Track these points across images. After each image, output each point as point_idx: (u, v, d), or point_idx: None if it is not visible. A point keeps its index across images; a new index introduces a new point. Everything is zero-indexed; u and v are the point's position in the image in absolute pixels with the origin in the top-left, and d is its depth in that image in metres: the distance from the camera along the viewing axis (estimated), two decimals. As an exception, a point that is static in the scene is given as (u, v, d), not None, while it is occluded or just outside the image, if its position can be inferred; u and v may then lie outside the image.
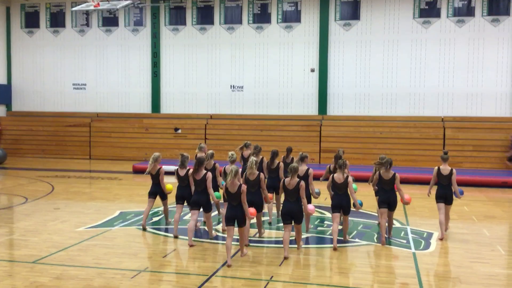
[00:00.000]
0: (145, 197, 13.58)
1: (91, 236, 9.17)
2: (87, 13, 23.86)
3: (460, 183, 14.32)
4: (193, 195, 8.86)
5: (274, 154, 10.06)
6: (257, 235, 9.34)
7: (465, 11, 20.76)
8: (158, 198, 10.21)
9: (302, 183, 7.98)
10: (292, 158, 10.38)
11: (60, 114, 24.87)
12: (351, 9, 21.79)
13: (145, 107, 24.24)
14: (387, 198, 8.87)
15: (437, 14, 21.01)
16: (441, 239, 9.18)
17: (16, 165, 20.91)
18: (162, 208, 10.85)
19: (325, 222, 10.58)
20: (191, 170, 8.85)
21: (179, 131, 23.08)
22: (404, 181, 15.29)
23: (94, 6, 18.27)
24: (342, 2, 21.86)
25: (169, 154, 22.88)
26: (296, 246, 8.55)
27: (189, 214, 9.53)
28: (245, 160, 10.73)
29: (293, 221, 8.07)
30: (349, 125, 21.43)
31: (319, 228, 9.99)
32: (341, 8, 21.87)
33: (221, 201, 9.12)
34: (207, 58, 23.43)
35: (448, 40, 21.01)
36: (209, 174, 8.65)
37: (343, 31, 21.95)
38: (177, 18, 23.65)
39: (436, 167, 9.39)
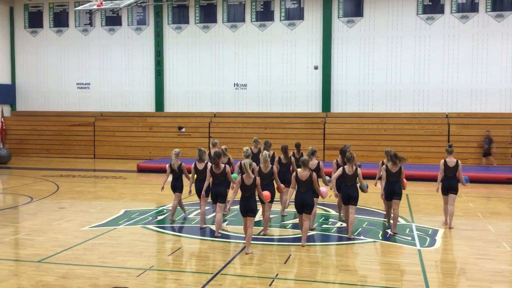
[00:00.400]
0: (149, 196, 13.67)
1: (96, 235, 9.20)
2: (90, 12, 23.89)
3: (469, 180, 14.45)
4: (212, 187, 9.22)
5: (285, 149, 10.63)
6: (262, 232, 9.35)
7: (469, 7, 20.67)
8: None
9: (314, 174, 8.51)
10: (302, 153, 10.73)
11: (64, 113, 24.94)
12: (354, 6, 21.73)
13: (149, 106, 24.27)
14: (392, 189, 9.35)
15: (441, 10, 20.93)
16: (450, 228, 9.74)
17: (21, 164, 20.98)
18: (167, 206, 10.87)
19: (330, 219, 10.57)
20: (209, 164, 9.34)
21: (183, 129, 23.10)
22: (409, 178, 15.27)
23: (97, 6, 18.30)
24: (345, -1, 21.81)
25: (173, 152, 22.86)
26: (301, 243, 8.57)
27: (194, 213, 10.52)
28: (254, 155, 11.00)
29: (303, 210, 8.47)
30: (353, 122, 21.40)
31: (323, 226, 9.99)
32: (344, 5, 21.82)
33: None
34: (210, 56, 23.43)
35: (452, 36, 20.93)
36: (228, 167, 9.18)
37: (346, 28, 21.90)
38: (180, 16, 23.65)
39: (442, 160, 9.82)
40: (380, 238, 9.11)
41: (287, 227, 9.99)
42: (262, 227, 9.49)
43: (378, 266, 7.54)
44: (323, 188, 8.87)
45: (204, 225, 9.84)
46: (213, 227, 9.62)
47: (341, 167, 9.19)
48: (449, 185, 9.76)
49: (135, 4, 20.18)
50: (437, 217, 10.93)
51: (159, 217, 10.89)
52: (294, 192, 8.61)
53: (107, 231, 9.54)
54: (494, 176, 16.12)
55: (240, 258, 7.84)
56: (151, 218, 10.71)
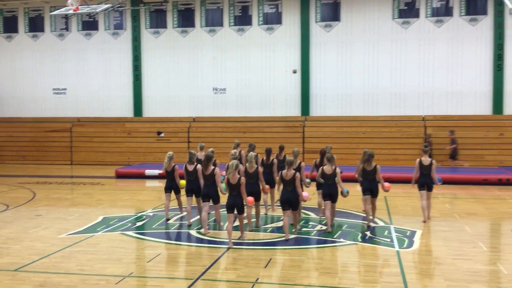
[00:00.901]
0: (128, 201, 13.55)
1: (74, 243, 9.07)
2: (66, 17, 23.62)
3: (443, 181, 14.68)
4: (203, 188, 9.71)
5: (269, 152, 11.20)
6: (244, 234, 9.36)
7: (444, 11, 21.05)
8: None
9: (298, 174, 9.04)
10: (285, 155, 11.20)
11: (40, 119, 24.58)
12: (331, 11, 21.93)
13: (127, 111, 24.08)
14: (369, 186, 10.09)
15: (416, 15, 21.26)
16: (424, 221, 10.43)
17: (-4, 172, 20.59)
18: (146, 212, 10.82)
19: (310, 223, 10.61)
20: (199, 166, 9.90)
21: (162, 134, 22.97)
22: (387, 180, 15.43)
23: (74, 10, 18.07)
24: (322, 3, 22.00)
25: (152, 158, 22.77)
26: (284, 236, 8.99)
27: (174, 218, 10.67)
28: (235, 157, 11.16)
29: (291, 207, 9.13)
30: (332, 125, 21.56)
31: (304, 229, 10.02)
32: (322, 10, 22.00)
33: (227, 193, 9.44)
34: (188, 60, 23.38)
35: (427, 40, 21.27)
36: (217, 170, 9.62)
37: (324, 32, 22.08)
38: (158, 21, 23.55)
39: (418, 159, 10.56)
40: (360, 240, 9.18)
41: (268, 231, 10.00)
42: (243, 230, 9.48)
43: (357, 268, 7.59)
44: (305, 193, 9.28)
45: (191, 221, 10.36)
46: (192, 232, 9.61)
47: (321, 167, 9.82)
48: (424, 182, 10.47)
49: (112, 8, 20.00)
50: (415, 218, 11.07)
51: (138, 223, 10.79)
52: (281, 189, 9.14)
53: (85, 238, 9.42)
54: (470, 177, 16.38)
55: (220, 263, 7.82)
56: (130, 224, 10.61)
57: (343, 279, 7.05)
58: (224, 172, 9.71)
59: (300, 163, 10.13)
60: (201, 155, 11.43)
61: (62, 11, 19.06)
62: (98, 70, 24.29)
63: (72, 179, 18.65)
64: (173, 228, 10.24)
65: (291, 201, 9.02)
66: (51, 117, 24.60)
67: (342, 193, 9.80)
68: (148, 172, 18.38)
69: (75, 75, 24.51)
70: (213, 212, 10.16)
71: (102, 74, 24.26)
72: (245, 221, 9.67)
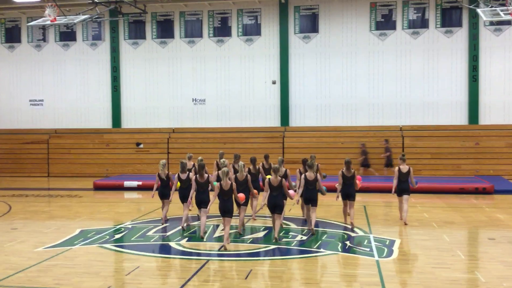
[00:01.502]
0: (107, 214, 13.38)
1: (51, 256, 8.90)
2: (43, 28, 23.37)
3: (420, 191, 15.18)
4: (197, 195, 10.20)
5: (254, 161, 12.06)
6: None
7: (420, 23, 21.43)
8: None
9: (284, 180, 10.06)
10: (270, 164, 12.12)
11: (16, 131, 24.20)
12: (310, 22, 22.15)
13: (106, 122, 23.87)
14: (347, 191, 10.99)
15: (393, 27, 21.60)
16: (406, 224, 11.30)
17: (-30, 185, 20.15)
18: (125, 224, 10.70)
19: (290, 233, 10.61)
20: (191, 174, 10.98)
21: (141, 146, 22.80)
22: (365, 190, 15.61)
23: (51, 21, 17.90)
24: (301, 15, 22.21)
25: (131, 169, 22.58)
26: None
27: (153, 230, 10.78)
28: (219, 167, 12.05)
29: (275, 211, 9.94)
30: (311, 135, 21.68)
31: (284, 240, 10.01)
32: (300, 21, 22.21)
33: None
34: (168, 71, 23.32)
35: (404, 52, 21.61)
36: (210, 176, 10.59)
37: (302, 44, 22.27)
38: (137, 32, 23.48)
39: (397, 167, 11.54)
40: (340, 250, 9.21)
41: (248, 241, 9.97)
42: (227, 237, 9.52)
43: (338, 278, 7.61)
44: (291, 191, 10.40)
45: (185, 225, 11.03)
46: (172, 244, 9.55)
47: (303, 174, 10.54)
48: (403, 188, 11.41)
49: (90, 19, 19.89)
50: (394, 227, 11.16)
51: (117, 236, 10.65)
52: (267, 195, 9.92)
53: (62, 251, 9.26)
54: (447, 187, 16.61)
55: (200, 275, 7.76)
56: (108, 237, 10.47)
57: (324, 289, 7.05)
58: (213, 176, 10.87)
59: (286, 170, 11.04)
60: (189, 164, 12.45)
61: (39, 22, 18.88)
62: (76, 81, 24.06)
63: (49, 191, 18.35)
64: (152, 240, 10.14)
65: (277, 205, 9.91)
66: (27, 129, 24.24)
67: (321, 192, 10.62)
68: (127, 183, 18.20)
69: (52, 86, 24.24)
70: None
71: (80, 85, 24.04)
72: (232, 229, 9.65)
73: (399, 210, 11.82)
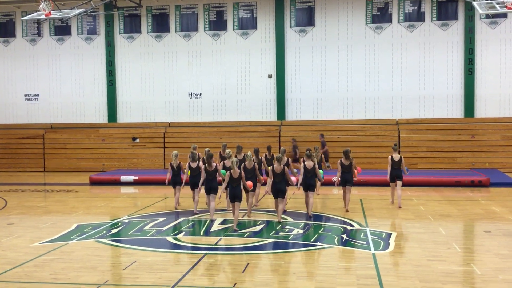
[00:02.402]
0: (103, 208, 13.39)
1: (48, 251, 8.90)
2: (38, 22, 23.22)
3: (416, 184, 15.51)
4: (206, 183, 11.28)
5: (257, 152, 13.05)
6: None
7: (416, 16, 21.42)
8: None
9: (286, 168, 11.22)
10: (272, 154, 13.16)
11: (12, 126, 24.12)
12: (306, 16, 22.10)
13: (101, 117, 23.80)
14: (345, 178, 12.18)
15: (389, 20, 21.58)
16: (399, 207, 12.52)
17: (-35, 180, 20.08)
18: (122, 219, 10.71)
19: (287, 227, 10.64)
20: (201, 163, 11.89)
21: (137, 140, 22.75)
22: (362, 184, 15.67)
23: (46, 15, 17.78)
24: (297, 8, 22.16)
25: (127, 164, 22.57)
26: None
27: (150, 225, 10.77)
28: (222, 157, 12.81)
29: (278, 195, 11.10)
30: (307, 129, 21.68)
31: (281, 233, 10.04)
32: (296, 15, 22.16)
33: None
34: (163, 66, 23.25)
35: (400, 45, 21.60)
36: (218, 165, 11.72)
37: (298, 37, 22.23)
38: (132, 26, 23.38)
39: (390, 156, 12.85)
40: (336, 243, 9.24)
41: (245, 235, 9.99)
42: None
43: (334, 271, 7.64)
44: (292, 177, 11.58)
45: (197, 211, 12.11)
46: (169, 238, 9.58)
47: (303, 163, 11.65)
48: (396, 175, 12.73)
49: (85, 13, 19.77)
50: (390, 220, 11.20)
51: (114, 230, 10.65)
52: (271, 182, 11.08)
53: (59, 246, 9.25)
54: (443, 180, 16.66)
55: (197, 269, 7.77)
56: (105, 231, 10.46)
57: (321, 283, 7.08)
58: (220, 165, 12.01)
59: (288, 159, 12.01)
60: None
61: (34, 16, 18.76)
62: (71, 75, 23.97)
63: (45, 186, 18.32)
64: (149, 234, 10.14)
65: (280, 190, 11.06)
66: (23, 124, 24.16)
67: (318, 179, 11.76)
68: (124, 178, 18.18)
69: (47, 81, 24.14)
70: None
71: (75, 79, 23.95)
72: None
73: (391, 195, 13.16)
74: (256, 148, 13.27)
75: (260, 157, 13.06)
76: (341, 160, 12.30)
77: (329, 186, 15.35)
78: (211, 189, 11.25)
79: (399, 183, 12.68)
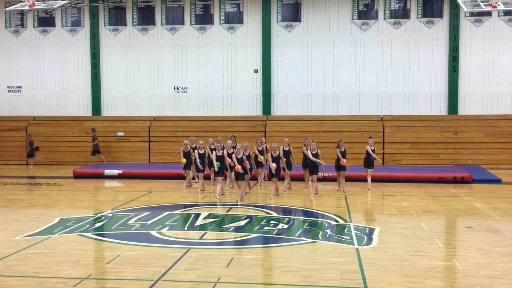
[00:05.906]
0: (86, 202, 13.29)
1: (30, 245, 8.81)
2: (21, 13, 22.89)
3: (399, 179, 16.17)
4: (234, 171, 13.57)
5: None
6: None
7: (401, 13, 21.54)
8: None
9: (281, 154, 14.06)
10: (266, 145, 15.31)
11: (-6, 118, 23.78)
12: (292, 11, 22.10)
13: (85, 110, 23.59)
14: (339, 164, 14.61)
15: (375, 16, 21.68)
16: (369, 189, 14.96)
17: None
18: (105, 213, 10.62)
19: (271, 222, 10.67)
20: (225, 151, 13.57)
21: (122, 134, 22.58)
22: (347, 180, 15.76)
23: (29, 6, 17.55)
24: (283, 3, 22.15)
25: (112, 157, 22.41)
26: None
27: (134, 219, 10.52)
28: (211, 149, 14.77)
29: (273, 176, 13.60)
30: (293, 125, 21.73)
31: (265, 228, 10.06)
32: (283, 10, 22.15)
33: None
34: (149, 59, 23.10)
35: (385, 41, 21.72)
36: (225, 152, 13.55)
37: (285, 32, 22.23)
38: (117, 18, 23.16)
39: (367, 146, 15.21)
40: (320, 238, 9.29)
41: (229, 230, 9.99)
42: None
43: (318, 266, 7.68)
44: (273, 164, 13.55)
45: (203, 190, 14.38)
46: (153, 232, 9.53)
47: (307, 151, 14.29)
48: (370, 162, 15.24)
49: (70, 4, 19.54)
50: (374, 216, 11.29)
51: (97, 224, 10.59)
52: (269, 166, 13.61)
53: (42, 240, 9.17)
54: (426, 176, 16.82)
55: (181, 264, 7.76)
56: (88, 225, 10.39)
57: (304, 277, 7.11)
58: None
59: (289, 148, 14.74)
60: (192, 145, 15.26)
61: (17, 6, 18.50)
62: (55, 67, 23.69)
63: (27, 179, 18.12)
64: (133, 228, 10.09)
65: (275, 173, 13.64)
66: (5, 116, 23.84)
67: (317, 164, 13.88)
68: (107, 172, 18.06)
69: (31, 73, 23.83)
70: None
71: (59, 72, 23.68)
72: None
73: (367, 178, 15.47)
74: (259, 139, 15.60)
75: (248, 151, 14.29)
76: (339, 149, 14.57)
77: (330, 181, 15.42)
78: (218, 172, 13.54)
79: (370, 170, 15.37)
